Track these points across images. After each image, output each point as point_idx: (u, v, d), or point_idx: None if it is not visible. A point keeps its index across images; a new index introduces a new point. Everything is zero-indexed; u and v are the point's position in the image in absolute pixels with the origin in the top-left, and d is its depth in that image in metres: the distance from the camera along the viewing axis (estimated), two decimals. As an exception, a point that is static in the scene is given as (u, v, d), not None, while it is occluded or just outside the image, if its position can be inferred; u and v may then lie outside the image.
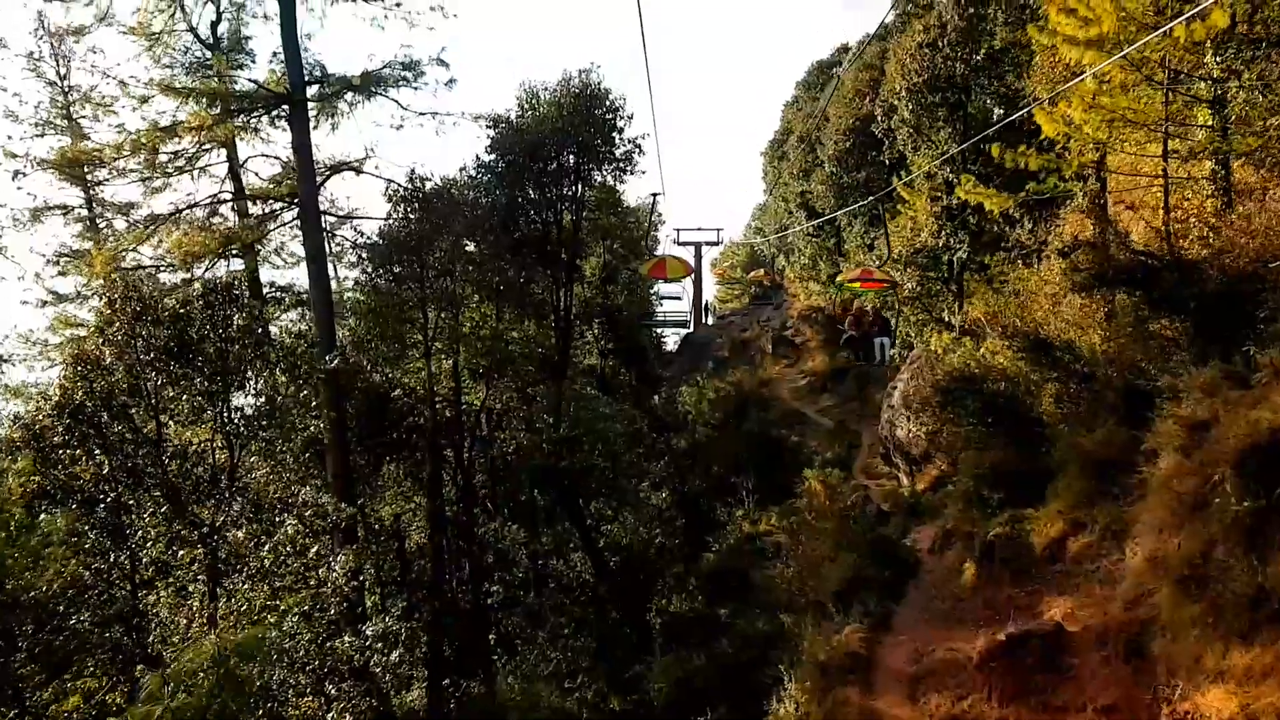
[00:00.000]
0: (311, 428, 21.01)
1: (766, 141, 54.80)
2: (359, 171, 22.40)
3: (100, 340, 14.93)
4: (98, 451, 14.08)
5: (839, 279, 31.60)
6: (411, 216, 19.96)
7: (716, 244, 65.14)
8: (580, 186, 23.17)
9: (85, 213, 29.32)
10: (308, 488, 18.23)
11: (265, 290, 25.96)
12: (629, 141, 23.24)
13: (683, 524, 26.40)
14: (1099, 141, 17.06)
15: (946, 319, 31.02)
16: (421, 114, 22.47)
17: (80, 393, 13.98)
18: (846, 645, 14.47)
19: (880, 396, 39.87)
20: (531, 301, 23.37)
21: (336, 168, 22.58)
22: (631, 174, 23.65)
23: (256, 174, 24.26)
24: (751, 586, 24.44)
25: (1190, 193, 16.56)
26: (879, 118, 32.01)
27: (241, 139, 24.36)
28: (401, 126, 22.42)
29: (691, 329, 61.52)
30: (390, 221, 20.09)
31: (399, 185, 20.02)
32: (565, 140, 22.48)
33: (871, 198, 30.45)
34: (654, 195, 51.61)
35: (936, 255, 30.86)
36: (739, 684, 16.62)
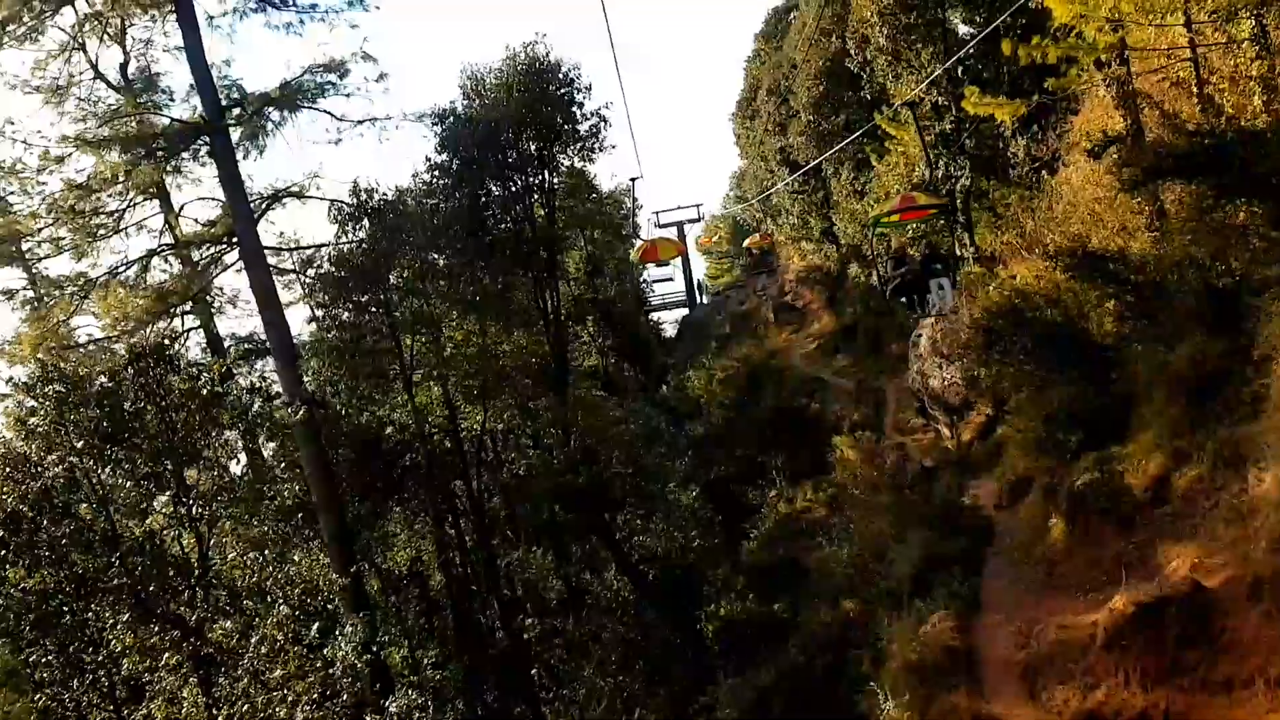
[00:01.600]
0: (285, 492, 19.02)
1: (734, 103, 52.61)
2: (302, 197, 20.32)
3: (23, 433, 12.96)
4: (44, 562, 12.09)
5: (874, 214, 26.05)
6: (362, 236, 17.89)
7: (698, 220, 63.19)
8: (546, 174, 21.07)
9: (31, 293, 27.20)
10: (297, 560, 16.22)
11: (227, 343, 23.92)
12: (592, 115, 21.15)
13: (720, 520, 24.38)
14: (1116, 20, 14.98)
15: (959, 252, 28.95)
16: (359, 123, 20.38)
17: (12, 499, 12.00)
18: (938, 638, 12.47)
19: (898, 347, 38.09)
20: (515, 309, 21.33)
21: (276, 196, 20.44)
22: (600, 151, 21.61)
23: (196, 219, 22.21)
24: (804, 573, 22.51)
25: (1234, 58, 14.47)
26: (852, 51, 29.86)
27: (174, 183, 22.33)
28: (339, 140, 20.47)
29: (686, 310, 59.61)
30: (340, 245, 18.02)
31: (342, 203, 17.92)
32: (521, 124, 20.35)
33: (854, 135, 28.20)
34: (632, 180, 49.61)
35: (936, 188, 28.72)
36: (820, 700, 14.61)
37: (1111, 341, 14.98)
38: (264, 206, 20.52)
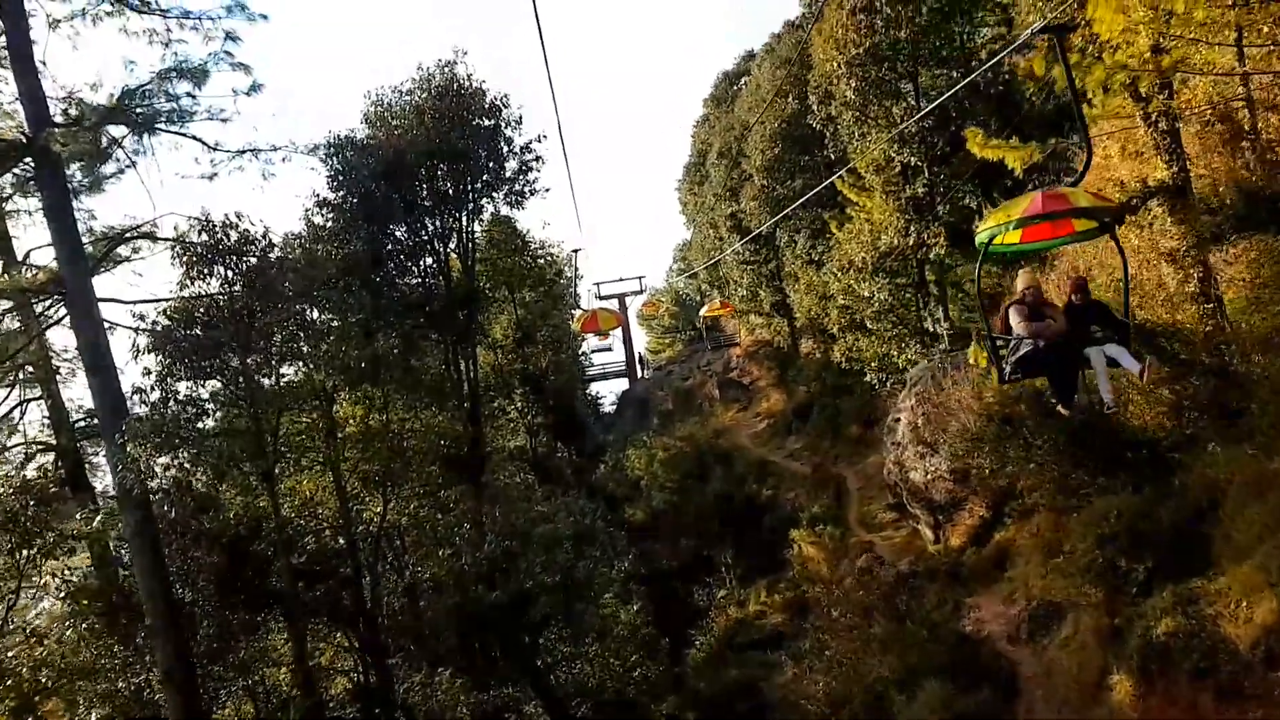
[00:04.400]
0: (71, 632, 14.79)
1: (680, 169, 50.19)
2: (154, 239, 16.28)
3: None
4: None
5: (986, 228, 8.71)
6: (216, 286, 14.04)
7: (640, 292, 60.43)
8: (465, 219, 17.63)
9: None
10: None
11: (75, 416, 19.57)
12: (522, 150, 17.80)
13: (665, 641, 20.54)
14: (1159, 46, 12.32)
15: (931, 328, 26.20)
16: (238, 153, 16.56)
17: None
18: None
19: (858, 429, 35.13)
20: (425, 380, 17.62)
21: (120, 237, 16.34)
22: (532, 194, 18.25)
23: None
24: (766, 708, 18.75)
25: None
26: (814, 107, 27.38)
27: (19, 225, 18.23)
28: (214, 175, 16.64)
29: (626, 384, 56.38)
30: (182, 296, 14.07)
31: (188, 243, 14.01)
32: (434, 158, 16.87)
33: (813, 190, 25.42)
34: (574, 251, 46.98)
35: (906, 258, 26.08)
36: None
37: (1168, 439, 11.84)
38: (105, 249, 16.50)
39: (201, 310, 14.10)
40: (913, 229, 24.95)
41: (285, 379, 15.42)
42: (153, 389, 13.94)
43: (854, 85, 24.29)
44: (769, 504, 33.69)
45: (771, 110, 31.91)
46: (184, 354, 13.82)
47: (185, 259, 14.01)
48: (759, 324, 43.91)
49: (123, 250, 17.16)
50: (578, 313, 42.87)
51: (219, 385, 14.43)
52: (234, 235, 14.15)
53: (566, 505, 18.24)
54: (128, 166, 17.15)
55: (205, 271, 14.04)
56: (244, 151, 15.99)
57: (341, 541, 18.83)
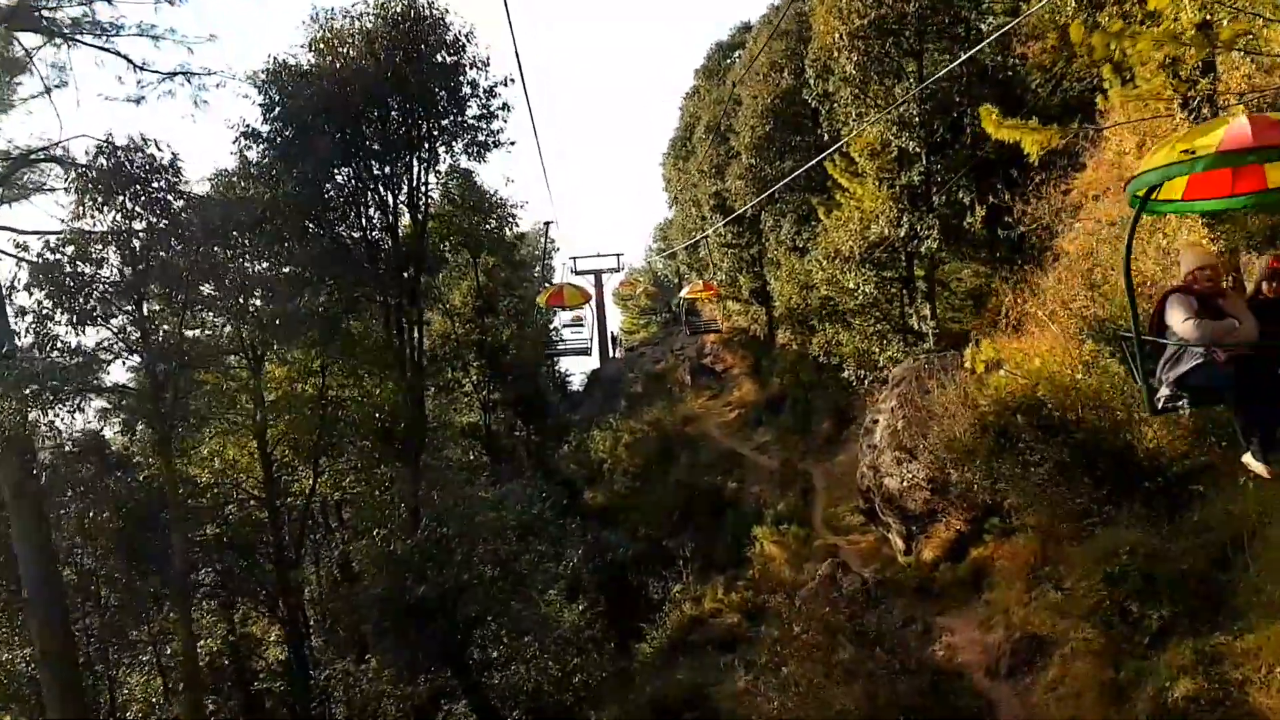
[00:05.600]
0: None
1: (667, 142, 48.33)
2: (60, 162, 14.32)
3: None
4: None
5: (1154, 167, 4.99)
6: (115, 218, 12.24)
7: (618, 270, 58.83)
8: (417, 166, 15.87)
9: None
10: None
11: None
12: (486, 93, 15.96)
13: (613, 643, 19.09)
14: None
15: (916, 326, 24.82)
16: (167, 76, 14.67)
17: None
18: None
19: (830, 425, 33.84)
20: (364, 344, 15.94)
21: (23, 158, 14.32)
22: (496, 146, 16.53)
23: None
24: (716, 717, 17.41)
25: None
26: (811, 81, 25.78)
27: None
28: (142, 99, 14.80)
29: (597, 363, 54.88)
30: (74, 227, 12.27)
31: (82, 166, 12.19)
32: (385, 92, 14.99)
33: (802, 168, 23.88)
34: (546, 223, 45.50)
35: (895, 250, 24.65)
36: None
37: (1186, 466, 10.48)
38: (9, 168, 14.53)
39: (96, 245, 12.33)
40: (905, 219, 23.49)
41: (200, 332, 13.70)
42: (26, 332, 12.18)
43: (855, 59, 22.71)
44: (733, 497, 32.39)
45: (765, 84, 30.27)
46: (67, 294, 12.05)
47: (78, 185, 12.21)
48: (736, 310, 42.46)
49: (32, 178, 15.21)
50: (546, 287, 41.43)
51: (111, 334, 12.70)
52: (138, 160, 12.39)
53: (513, 491, 16.68)
54: (58, 86, 15.32)
55: (102, 201, 12.24)
56: (175, 74, 14.24)
57: (263, 515, 17.27)
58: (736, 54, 40.09)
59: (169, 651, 17.84)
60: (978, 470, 12.92)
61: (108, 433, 16.01)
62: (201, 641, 19.29)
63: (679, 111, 45.97)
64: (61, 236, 12.22)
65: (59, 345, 12.15)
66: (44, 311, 12.05)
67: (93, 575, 14.84)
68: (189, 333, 13.50)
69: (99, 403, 12.88)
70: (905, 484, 18.61)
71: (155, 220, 12.38)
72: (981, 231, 24.31)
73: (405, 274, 16.31)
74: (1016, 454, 12.24)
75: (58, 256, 12.05)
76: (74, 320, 12.15)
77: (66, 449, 15.39)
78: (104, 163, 12.22)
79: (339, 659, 17.91)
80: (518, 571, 15.18)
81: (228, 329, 13.99)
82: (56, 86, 15.33)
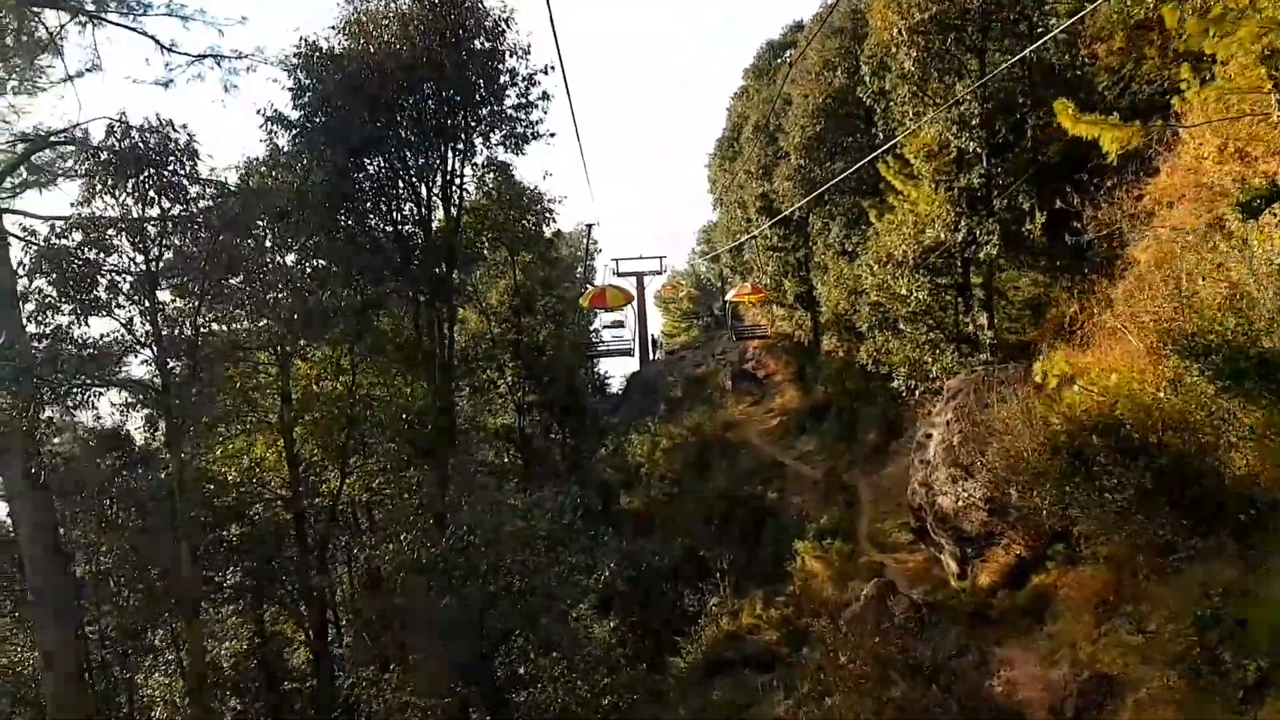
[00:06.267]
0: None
1: (713, 143, 47.36)
2: (85, 146, 13.83)
3: None
4: None
5: None
6: (123, 201, 11.64)
7: (660, 273, 58.03)
8: (452, 156, 15.19)
9: None
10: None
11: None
12: (525, 81, 15.22)
13: (645, 661, 18.25)
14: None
15: (972, 335, 23.65)
16: (197, 58, 14.15)
17: None
18: None
19: (876, 436, 32.67)
20: (395, 342, 15.31)
21: (43, 140, 13.80)
22: (534, 138, 15.77)
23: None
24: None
25: None
26: (866, 79, 24.74)
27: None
28: (170, 82, 14.35)
29: (637, 365, 54.19)
30: (81, 212, 11.67)
31: (93, 147, 11.58)
32: (419, 78, 14.27)
33: (854, 167, 22.86)
34: (588, 225, 44.96)
35: (951, 255, 23.53)
36: None
37: (1274, 494, 9.40)
38: (23, 154, 14.05)
39: (108, 232, 11.76)
40: (963, 223, 22.36)
41: (220, 326, 13.12)
42: (28, 320, 11.64)
43: (914, 55, 21.68)
44: (774, 507, 31.46)
45: (817, 83, 29.27)
46: (72, 281, 11.48)
47: (88, 166, 11.68)
48: (780, 315, 41.42)
49: (63, 165, 14.75)
50: (588, 288, 40.75)
51: (120, 326, 12.11)
52: (153, 142, 11.81)
53: (542, 500, 15.93)
54: (90, 69, 14.90)
55: (112, 184, 11.68)
56: (204, 56, 13.69)
57: (287, 515, 16.71)
58: (787, 53, 39.11)
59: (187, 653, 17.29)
60: (1047, 494, 11.85)
61: (132, 428, 15.46)
62: (227, 643, 18.83)
63: (726, 112, 45.15)
64: (69, 221, 11.70)
65: (63, 336, 11.60)
66: (47, 300, 11.52)
67: (109, 575, 14.32)
68: (215, 326, 12.93)
69: (117, 396, 12.31)
70: (961, 503, 17.53)
71: (169, 206, 11.82)
72: (1041, 239, 23.14)
73: (438, 270, 15.65)
74: (1091, 478, 11.19)
75: (63, 242, 11.52)
76: (79, 310, 11.59)
77: (90, 444, 14.91)
78: (115, 143, 11.66)
79: (364, 666, 17.24)
80: (547, 585, 14.42)
81: (247, 324, 13.39)
82: (89, 69, 14.96)
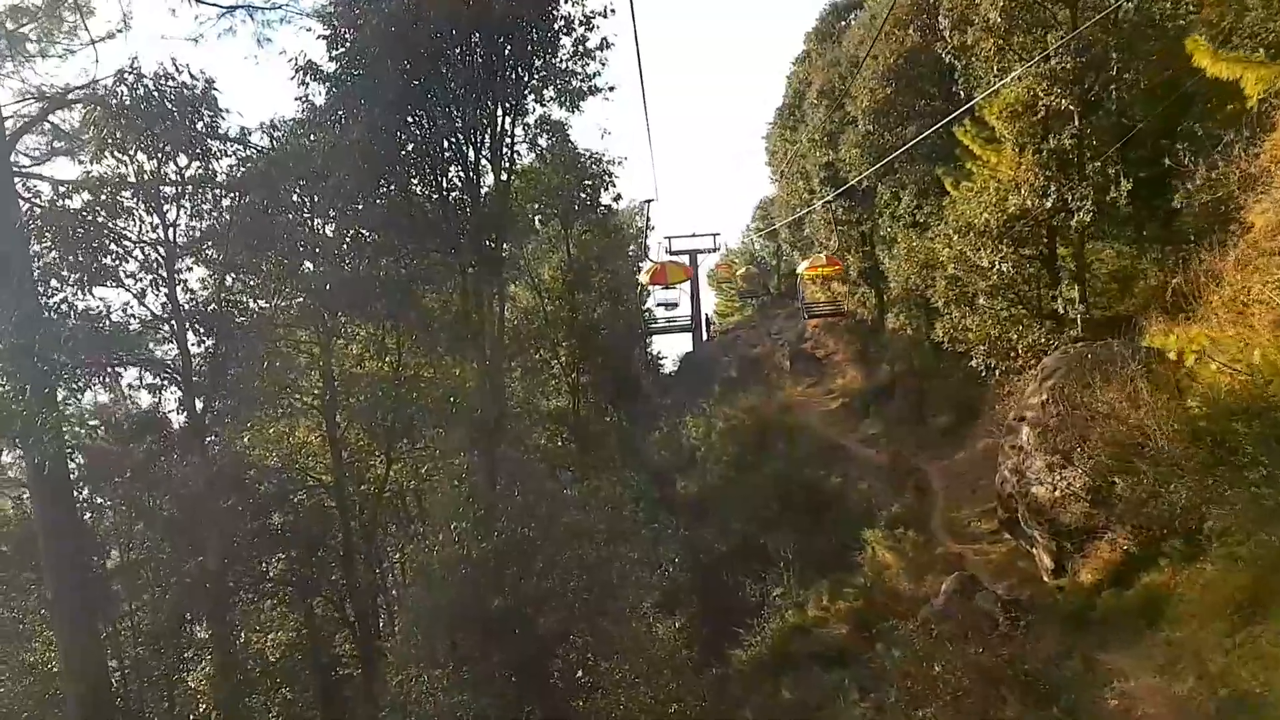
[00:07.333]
0: None
1: (773, 111, 45.42)
2: (104, 102, 12.84)
3: None
4: None
5: None
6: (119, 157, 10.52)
7: (715, 250, 56.41)
8: (503, 114, 13.91)
9: None
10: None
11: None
12: (583, 23, 13.71)
13: (715, 673, 17.03)
14: None
15: (1060, 311, 21.88)
16: (229, 10, 13.00)
17: None
18: None
19: (947, 419, 30.99)
20: (441, 319, 14.20)
21: (61, 98, 12.78)
22: (592, 93, 14.42)
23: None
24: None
25: None
26: (946, 34, 22.94)
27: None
28: (200, 37, 13.29)
29: (690, 345, 52.85)
30: (90, 170, 10.65)
31: (100, 98, 10.40)
32: (466, 19, 12.90)
33: (926, 132, 21.16)
34: (646, 201, 43.66)
35: (1038, 224, 21.77)
36: None
37: None
38: (40, 113, 13.07)
39: (123, 193, 10.71)
40: (1053, 188, 20.58)
41: (249, 299, 12.09)
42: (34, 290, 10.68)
43: (1000, 5, 19.92)
44: (837, 493, 29.95)
45: (888, 43, 27.49)
46: (76, 245, 10.45)
47: (96, 120, 10.63)
48: (842, 292, 39.70)
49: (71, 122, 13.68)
50: (646, 264, 39.38)
51: (133, 297, 11.09)
52: (169, 91, 10.71)
53: (597, 491, 14.74)
54: (120, 31, 13.90)
55: (123, 139, 10.62)
56: (235, 8, 12.61)
57: (330, 503, 15.79)
58: (852, 15, 37.13)
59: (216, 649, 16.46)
60: (1183, 487, 10.28)
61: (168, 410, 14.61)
62: (272, 634, 18.09)
63: (786, 80, 43.13)
64: (74, 181, 10.73)
65: (68, 309, 10.57)
66: (50, 268, 10.50)
67: (142, 568, 13.49)
68: (244, 300, 11.91)
69: (136, 376, 11.39)
70: (1058, 493, 15.96)
71: (187, 164, 10.75)
72: (1126, 207, 21.29)
73: (487, 241, 14.46)
74: (1237, 468, 9.63)
75: (67, 203, 10.51)
76: (85, 279, 10.56)
77: (124, 428, 14.08)
78: (124, 92, 10.58)
79: (413, 664, 16.27)
80: (606, 581, 13.27)
81: (277, 299, 12.35)
82: (119, 31, 13.99)
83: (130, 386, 11.66)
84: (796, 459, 32.59)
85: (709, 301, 62.10)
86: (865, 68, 28.70)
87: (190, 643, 15.51)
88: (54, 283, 10.64)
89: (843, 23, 37.71)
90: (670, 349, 53.23)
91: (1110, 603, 14.64)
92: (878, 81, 28.24)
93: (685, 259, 49.66)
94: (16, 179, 11.29)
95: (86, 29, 12.34)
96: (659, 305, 47.94)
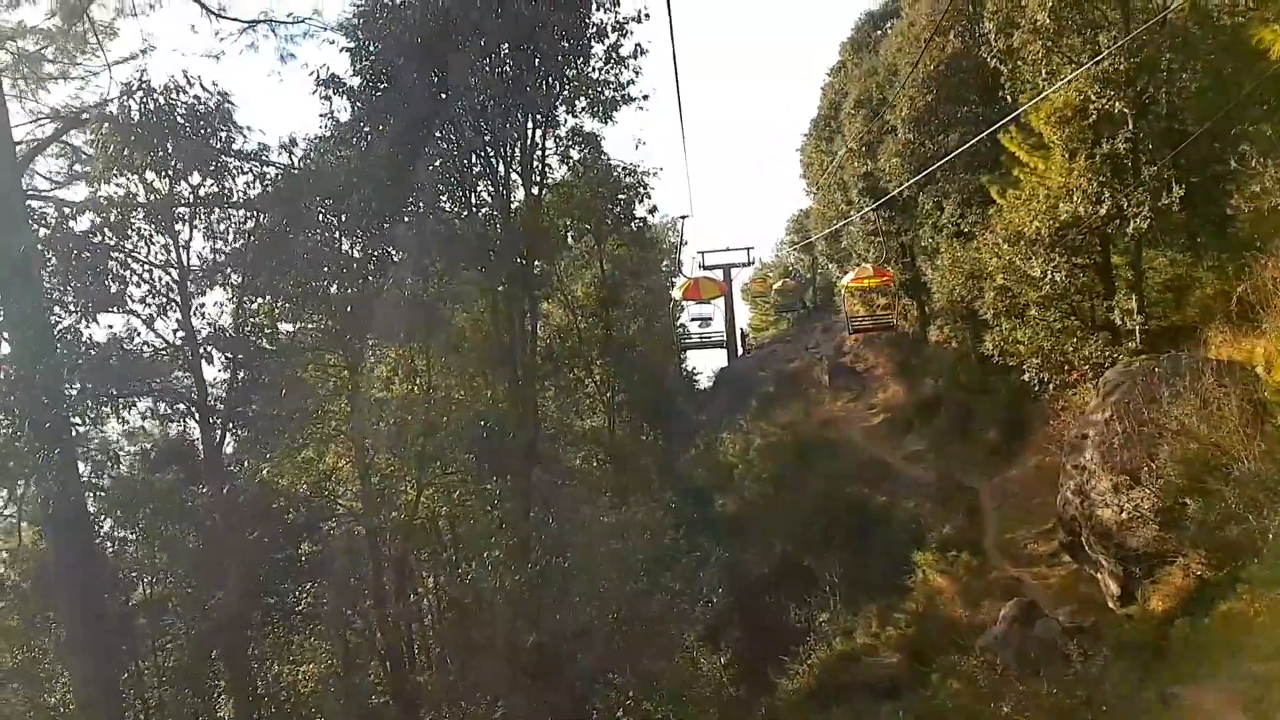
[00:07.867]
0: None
1: (808, 123, 44.70)
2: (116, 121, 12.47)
3: None
4: None
5: None
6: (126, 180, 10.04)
7: (748, 264, 55.74)
8: (533, 128, 13.37)
9: None
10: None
11: None
12: (616, 29, 13.10)
13: (762, 705, 16.24)
14: None
15: (1118, 322, 20.91)
16: (249, 25, 12.67)
17: None
18: None
19: (995, 434, 29.91)
20: (473, 339, 13.67)
21: (72, 120, 12.36)
22: (625, 102, 13.83)
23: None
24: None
25: None
26: (991, 38, 22.15)
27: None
28: (221, 54, 12.97)
29: (725, 361, 52.22)
30: (95, 194, 10.24)
31: (107, 115, 9.82)
32: (494, 27, 12.39)
33: (972, 141, 20.35)
34: (681, 217, 43.15)
35: (1091, 231, 20.89)
36: None
37: None
38: (54, 133, 12.68)
39: (132, 212, 10.28)
40: (1106, 195, 19.67)
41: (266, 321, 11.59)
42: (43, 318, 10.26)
43: (1049, 5, 19.11)
44: (883, 513, 29.01)
45: (928, 50, 26.73)
46: (81, 270, 10.01)
47: (102, 136, 10.21)
48: (882, 305, 38.81)
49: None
50: (680, 279, 38.80)
51: (141, 322, 10.55)
52: (180, 105, 10.29)
53: (636, 517, 14.07)
54: (144, 51, 13.62)
55: (130, 154, 10.17)
56: (256, 23, 12.25)
57: (361, 530, 15.29)
58: (889, 24, 36.39)
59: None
60: (1275, 511, 9.42)
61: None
62: (303, 666, 17.55)
63: (821, 91, 42.43)
64: (80, 203, 10.34)
65: (72, 337, 10.07)
66: (54, 293, 10.05)
67: (166, 602, 13.05)
68: (263, 325, 11.43)
69: (151, 406, 10.95)
70: (1125, 515, 15.02)
71: (200, 182, 10.30)
72: (1179, 213, 20.34)
73: (518, 258, 13.91)
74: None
75: (72, 225, 10.09)
76: (89, 306, 10.04)
77: (150, 457, 13.67)
78: (132, 105, 10.18)
79: (445, 702, 15.68)
80: (647, 615, 12.57)
81: (298, 322, 11.87)
82: (143, 51, 13.72)
83: (143, 416, 11.23)
84: (838, 477, 31.71)
85: (744, 316, 61.43)
86: (903, 75, 27.97)
87: (218, 679, 15.05)
88: (58, 310, 10.22)
89: (878, 32, 36.98)
90: (705, 364, 52.65)
91: (1185, 632, 13.66)
92: (917, 89, 27.49)
93: (719, 274, 49.10)
94: (34, 202, 10.99)
95: (103, 50, 12.09)
96: (693, 320, 47.40)
